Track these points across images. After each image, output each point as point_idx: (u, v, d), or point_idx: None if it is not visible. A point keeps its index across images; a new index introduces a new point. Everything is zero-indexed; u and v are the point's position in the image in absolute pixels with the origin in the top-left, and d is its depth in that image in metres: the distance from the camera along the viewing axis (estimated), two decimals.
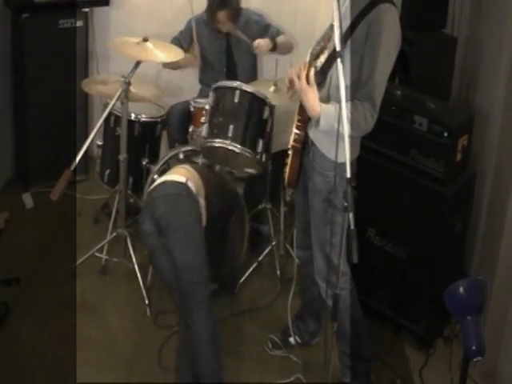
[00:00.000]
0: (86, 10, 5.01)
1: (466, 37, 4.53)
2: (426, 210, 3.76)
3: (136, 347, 3.84)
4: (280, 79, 4.40)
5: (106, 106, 4.17)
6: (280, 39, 4.85)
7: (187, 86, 5.07)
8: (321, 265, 3.42)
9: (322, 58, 3.11)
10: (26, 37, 4.81)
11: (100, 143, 4.52)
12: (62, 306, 4.04)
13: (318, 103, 3.05)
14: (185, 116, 4.60)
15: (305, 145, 3.34)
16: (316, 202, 3.37)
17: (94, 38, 5.22)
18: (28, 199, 4.90)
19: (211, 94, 4.21)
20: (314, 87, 3.04)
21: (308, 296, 3.83)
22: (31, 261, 4.36)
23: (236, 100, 4.13)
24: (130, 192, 4.46)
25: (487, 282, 3.06)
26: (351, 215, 2.66)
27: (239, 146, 4.07)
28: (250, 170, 4.32)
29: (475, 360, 2.88)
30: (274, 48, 4.80)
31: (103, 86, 4.34)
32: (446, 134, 3.65)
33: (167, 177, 3.64)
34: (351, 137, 2.81)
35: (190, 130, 4.46)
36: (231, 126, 4.08)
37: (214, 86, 4.24)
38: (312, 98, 3.05)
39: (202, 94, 4.79)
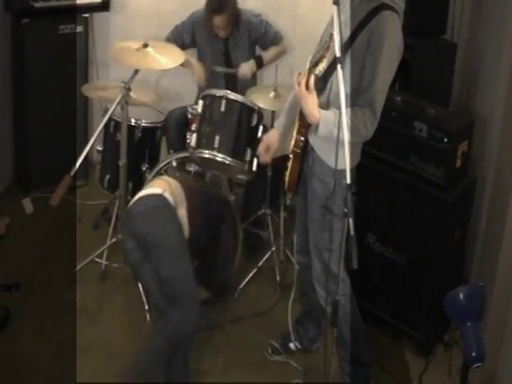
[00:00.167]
0: (86, 15, 5.02)
1: (465, 42, 4.54)
2: (425, 216, 3.76)
3: (136, 353, 3.83)
4: (280, 85, 4.41)
5: (106, 111, 4.17)
6: (269, 54, 4.86)
7: (187, 91, 5.07)
8: (319, 271, 3.42)
9: (321, 67, 3.12)
10: (25, 42, 4.82)
11: (100, 148, 4.52)
12: (61, 311, 4.04)
13: (318, 109, 3.05)
14: (182, 122, 4.57)
15: (305, 150, 3.34)
16: (314, 207, 3.37)
17: (93, 43, 5.23)
18: (28, 204, 4.90)
19: (200, 102, 4.21)
20: (314, 93, 3.04)
21: (308, 302, 3.83)
22: (31, 266, 4.36)
23: (222, 109, 4.14)
24: (129, 197, 4.41)
25: (487, 288, 3.07)
26: (351, 221, 2.67)
27: (226, 157, 4.08)
28: (242, 177, 4.33)
29: (475, 366, 2.89)
30: (260, 66, 4.83)
31: (103, 91, 4.34)
32: (445, 140, 3.66)
33: (144, 191, 3.65)
34: (351, 143, 2.82)
35: (188, 136, 4.45)
36: (217, 137, 4.09)
37: (202, 94, 4.25)
38: (311, 104, 3.05)
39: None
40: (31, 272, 4.30)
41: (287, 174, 3.43)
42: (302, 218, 3.58)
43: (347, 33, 3.06)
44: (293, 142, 3.36)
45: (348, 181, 2.73)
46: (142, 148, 4.51)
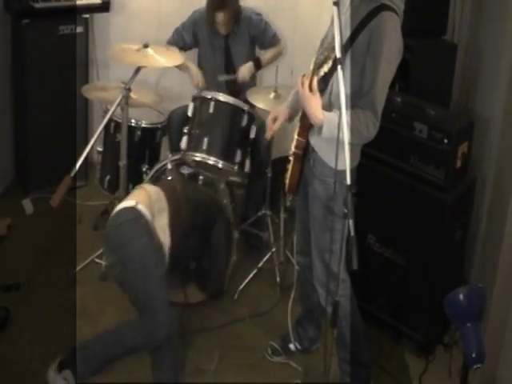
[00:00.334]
0: (86, 16, 5.02)
1: (466, 43, 4.54)
2: (425, 217, 3.76)
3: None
4: (280, 85, 4.41)
5: (106, 112, 4.17)
6: (267, 55, 4.87)
7: (187, 91, 5.06)
8: (320, 272, 3.42)
9: (326, 68, 3.11)
10: (26, 43, 4.82)
11: (100, 149, 4.52)
12: (61, 311, 4.03)
13: (321, 111, 3.05)
14: (184, 121, 4.59)
15: (306, 151, 3.35)
16: (315, 208, 3.37)
17: (94, 44, 5.23)
18: (28, 205, 4.90)
19: (190, 103, 4.22)
20: (317, 95, 3.04)
21: (308, 302, 3.83)
22: (31, 267, 4.36)
23: (211, 111, 4.16)
24: None
25: (487, 290, 3.06)
26: (351, 222, 2.67)
27: (214, 159, 4.08)
28: (235, 179, 4.33)
29: (475, 367, 2.88)
30: (259, 68, 4.84)
31: (103, 92, 4.35)
32: (446, 141, 3.66)
33: (120, 204, 3.65)
34: (352, 144, 2.82)
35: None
36: (206, 139, 4.11)
37: (193, 95, 4.26)
38: (315, 105, 3.05)
39: None
40: (31, 273, 4.30)
41: (287, 175, 3.43)
42: (301, 219, 3.59)
43: (347, 34, 3.06)
44: (293, 144, 3.37)
45: (348, 182, 2.73)
46: (143, 149, 4.51)
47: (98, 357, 3.46)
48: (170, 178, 4.20)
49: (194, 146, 4.14)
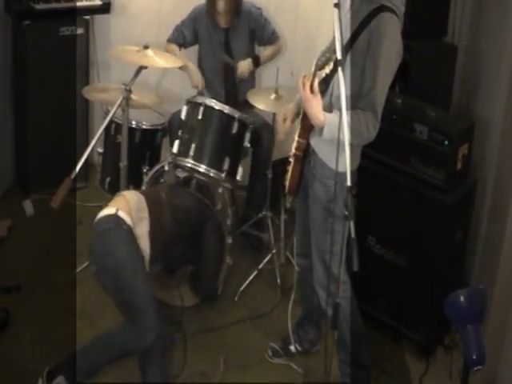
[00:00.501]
0: (87, 17, 5.02)
1: (466, 45, 4.54)
2: (426, 218, 3.76)
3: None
4: (280, 87, 4.41)
5: (106, 113, 4.18)
6: (266, 53, 4.89)
7: (188, 93, 5.06)
8: (320, 273, 3.42)
9: (328, 69, 3.11)
10: (26, 44, 4.82)
11: (101, 151, 4.52)
12: (62, 313, 4.03)
13: (322, 112, 3.05)
14: None
15: (306, 153, 3.34)
16: (316, 210, 3.37)
17: (94, 45, 5.23)
18: (28, 206, 4.90)
19: (184, 107, 4.22)
20: (318, 96, 3.04)
21: (308, 304, 3.83)
22: (31, 268, 4.36)
23: (200, 117, 4.14)
24: None
25: (487, 291, 3.06)
26: (352, 224, 2.66)
27: (200, 165, 4.08)
28: (227, 185, 4.31)
29: (476, 369, 2.88)
30: (258, 65, 4.84)
31: (104, 93, 4.34)
32: (446, 143, 3.66)
33: (100, 212, 3.64)
34: (352, 146, 2.82)
35: None
36: (193, 145, 4.10)
37: (186, 99, 4.26)
38: (316, 106, 3.05)
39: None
40: (31, 274, 4.30)
41: (288, 176, 3.43)
42: (301, 221, 3.59)
43: (348, 35, 3.07)
44: (294, 145, 3.36)
45: (348, 183, 2.73)
46: (143, 150, 4.51)
47: (90, 363, 3.46)
48: (161, 181, 4.23)
49: (183, 151, 4.13)
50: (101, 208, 4.73)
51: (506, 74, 3.90)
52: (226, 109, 4.18)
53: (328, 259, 3.24)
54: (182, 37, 4.81)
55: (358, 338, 3.49)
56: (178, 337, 3.92)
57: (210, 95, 4.69)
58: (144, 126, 4.49)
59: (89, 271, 4.24)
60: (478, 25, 4.44)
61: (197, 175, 4.19)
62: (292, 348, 3.93)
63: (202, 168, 4.10)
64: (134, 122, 4.41)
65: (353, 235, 2.64)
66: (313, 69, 3.15)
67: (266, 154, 4.58)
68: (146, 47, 4.04)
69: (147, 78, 4.74)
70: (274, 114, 4.40)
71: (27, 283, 4.20)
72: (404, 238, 3.87)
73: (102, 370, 3.53)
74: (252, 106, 4.48)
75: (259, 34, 4.84)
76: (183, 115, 4.21)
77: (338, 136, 2.82)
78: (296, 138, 3.35)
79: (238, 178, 4.20)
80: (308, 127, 3.26)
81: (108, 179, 4.52)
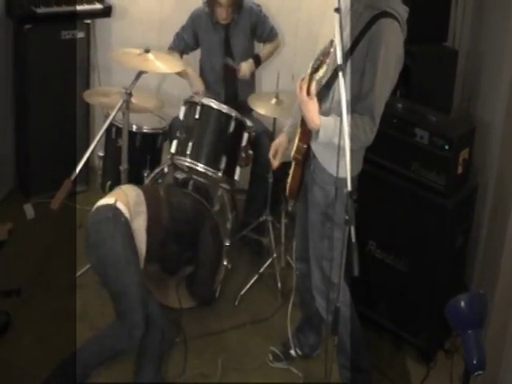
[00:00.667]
0: (88, 21, 5.03)
1: (467, 49, 4.55)
2: (427, 223, 3.76)
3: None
4: (281, 91, 4.41)
5: (107, 117, 4.17)
6: (265, 51, 4.91)
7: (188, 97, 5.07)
8: (317, 279, 3.42)
9: (321, 72, 3.11)
10: (27, 48, 4.82)
11: (101, 154, 4.53)
12: (62, 316, 4.03)
13: (318, 115, 3.05)
14: None
15: (307, 157, 3.34)
16: (314, 215, 3.36)
17: (95, 49, 5.24)
18: (29, 209, 4.91)
19: (182, 108, 4.22)
20: (315, 99, 3.04)
21: (307, 309, 3.82)
22: (31, 271, 4.36)
23: (197, 116, 4.15)
24: None
25: (488, 296, 3.06)
26: (352, 228, 2.66)
27: (196, 163, 4.08)
28: (225, 186, 4.31)
29: (476, 374, 2.87)
30: (258, 64, 4.85)
31: (105, 97, 4.35)
32: (447, 147, 3.66)
33: (99, 202, 3.65)
34: (353, 151, 2.81)
35: None
36: (190, 144, 4.10)
37: (185, 99, 4.26)
38: (312, 109, 3.05)
39: None
40: (32, 277, 4.30)
41: (288, 180, 3.43)
42: (301, 225, 3.58)
43: (348, 40, 3.07)
44: (294, 149, 3.36)
45: (349, 188, 2.72)
46: (144, 154, 4.51)
47: (81, 368, 3.47)
48: (160, 182, 4.23)
49: (181, 150, 4.15)
50: None
51: (506, 78, 3.90)
52: (223, 108, 4.19)
53: (325, 265, 3.24)
54: (183, 42, 4.80)
55: (357, 342, 3.49)
56: (179, 340, 3.91)
57: (210, 96, 4.69)
58: (145, 130, 4.49)
59: (89, 275, 4.28)
60: (478, 29, 4.45)
61: (195, 176, 4.20)
62: (292, 352, 3.93)
63: (200, 167, 4.10)
64: (134, 126, 4.42)
65: (353, 240, 2.64)
66: (308, 72, 3.15)
67: (265, 159, 4.57)
68: (147, 51, 4.05)
69: (148, 82, 4.74)
70: (275, 119, 4.41)
71: (28, 286, 4.20)
72: (405, 243, 3.87)
73: (93, 372, 3.55)
74: (249, 110, 4.51)
75: (260, 29, 4.84)
76: (181, 115, 4.22)
77: (339, 141, 2.82)
78: (296, 141, 3.35)
79: (236, 177, 4.20)
80: (307, 131, 3.25)
81: (109, 183, 4.51)
